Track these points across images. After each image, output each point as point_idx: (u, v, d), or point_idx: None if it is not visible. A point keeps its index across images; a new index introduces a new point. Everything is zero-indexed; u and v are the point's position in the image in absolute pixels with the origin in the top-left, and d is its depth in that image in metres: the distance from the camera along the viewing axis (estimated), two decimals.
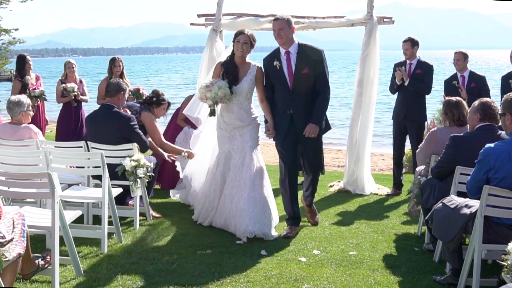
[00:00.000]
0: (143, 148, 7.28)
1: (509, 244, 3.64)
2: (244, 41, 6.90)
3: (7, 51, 27.25)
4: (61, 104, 10.67)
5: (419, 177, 6.62)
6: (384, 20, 9.67)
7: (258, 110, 7.21)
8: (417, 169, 6.85)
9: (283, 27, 6.73)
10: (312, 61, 6.75)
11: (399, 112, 9.32)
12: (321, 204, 8.34)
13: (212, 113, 6.99)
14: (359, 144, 9.51)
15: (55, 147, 7.28)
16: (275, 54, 6.93)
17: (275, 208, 7.07)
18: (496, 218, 4.66)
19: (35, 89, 10.15)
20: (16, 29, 25.27)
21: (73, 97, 10.34)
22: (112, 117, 7.22)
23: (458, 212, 4.89)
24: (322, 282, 5.24)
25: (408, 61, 9.17)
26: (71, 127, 10.49)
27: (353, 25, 9.74)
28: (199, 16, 9.79)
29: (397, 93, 9.36)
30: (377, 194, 9.41)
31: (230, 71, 6.97)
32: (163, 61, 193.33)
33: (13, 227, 4.33)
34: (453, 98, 6.58)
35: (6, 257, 3.97)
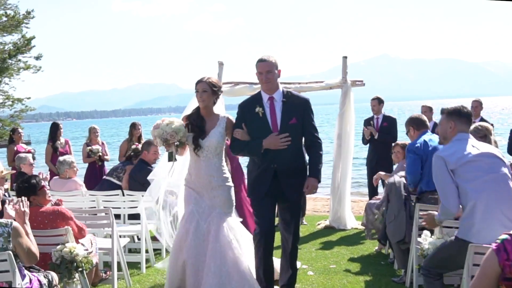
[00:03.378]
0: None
1: (421, 235, 5.55)
2: (203, 89, 6.20)
3: (20, 119, 29.16)
4: (86, 163, 12.55)
5: (383, 209, 8.46)
6: (357, 83, 11.62)
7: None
8: (370, 202, 8.75)
9: (271, 70, 6.04)
10: (299, 111, 6.08)
11: (371, 159, 11.25)
12: (309, 237, 10.21)
13: (170, 157, 6.24)
14: (340, 187, 11.35)
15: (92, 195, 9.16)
16: (255, 100, 6.18)
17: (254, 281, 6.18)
18: None
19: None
20: (28, 98, 27.31)
21: (98, 157, 12.21)
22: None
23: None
24: (308, 284, 7.12)
25: (375, 116, 11.14)
26: (97, 182, 12.32)
27: (331, 88, 11.66)
28: None
29: (368, 144, 11.32)
30: (357, 228, 11.22)
31: (195, 123, 6.27)
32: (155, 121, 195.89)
33: (91, 244, 6.24)
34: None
35: (93, 262, 5.84)
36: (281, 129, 6.02)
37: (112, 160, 14.58)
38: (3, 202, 5.57)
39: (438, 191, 5.17)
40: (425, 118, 7.51)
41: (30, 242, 4.95)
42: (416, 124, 7.34)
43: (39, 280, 5.14)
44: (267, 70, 6.03)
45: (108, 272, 6.92)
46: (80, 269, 5.53)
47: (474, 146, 5.08)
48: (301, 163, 6.19)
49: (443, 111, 5.40)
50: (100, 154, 12.22)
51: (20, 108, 28.43)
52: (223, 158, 6.41)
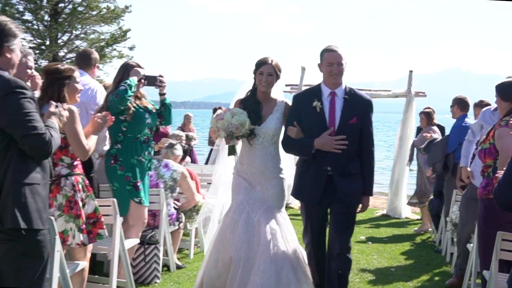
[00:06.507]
0: None
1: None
2: (269, 73, 5.62)
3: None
4: None
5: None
6: (419, 94, 13.43)
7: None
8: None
9: (342, 62, 5.37)
10: (361, 111, 5.44)
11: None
12: (367, 220, 12.06)
13: (232, 151, 5.64)
14: (398, 181, 13.17)
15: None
16: (314, 93, 5.49)
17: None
18: None
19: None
20: None
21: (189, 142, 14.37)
22: None
23: None
24: (364, 247, 9.08)
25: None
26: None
27: (397, 97, 13.56)
28: (286, 85, 13.80)
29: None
30: (409, 218, 12.99)
31: (251, 108, 5.68)
32: None
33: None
34: None
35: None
36: (338, 128, 5.37)
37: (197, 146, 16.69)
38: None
39: None
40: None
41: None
42: (461, 105, 8.51)
43: (177, 212, 7.39)
44: (338, 61, 5.36)
45: None
46: (199, 211, 7.58)
47: None
48: (356, 166, 5.51)
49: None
50: (194, 138, 14.37)
51: None
52: (279, 147, 5.83)
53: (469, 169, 6.78)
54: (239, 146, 5.80)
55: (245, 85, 6.05)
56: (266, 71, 5.62)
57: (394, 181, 13.23)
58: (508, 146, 5.09)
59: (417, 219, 12.74)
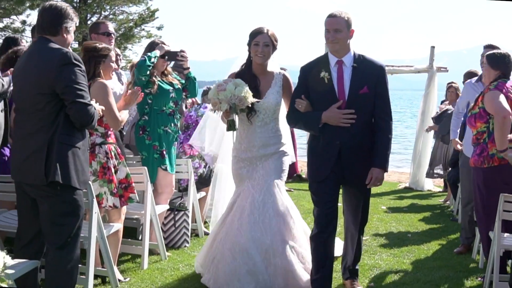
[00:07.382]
0: None
1: None
2: (265, 43, 5.38)
3: None
4: None
5: None
6: (441, 69, 13.68)
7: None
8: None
9: (341, 29, 4.95)
10: (372, 79, 5.02)
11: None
12: (390, 192, 12.41)
13: (232, 125, 5.31)
14: (421, 155, 13.47)
15: None
16: (321, 63, 5.10)
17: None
18: None
19: None
20: None
21: None
22: None
23: None
24: (384, 216, 9.45)
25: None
26: None
27: (419, 72, 13.83)
28: None
29: None
30: (431, 190, 13.29)
31: (247, 83, 5.30)
32: None
33: None
34: None
35: None
36: (349, 99, 5.00)
37: None
38: None
39: None
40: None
41: None
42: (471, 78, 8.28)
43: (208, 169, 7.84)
44: (335, 28, 4.96)
45: None
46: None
47: None
48: (370, 139, 5.15)
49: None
50: None
51: None
52: (279, 121, 5.67)
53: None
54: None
55: (238, 60, 5.85)
56: (262, 41, 5.40)
57: (417, 155, 13.54)
58: (500, 107, 5.43)
59: (439, 192, 13.05)
